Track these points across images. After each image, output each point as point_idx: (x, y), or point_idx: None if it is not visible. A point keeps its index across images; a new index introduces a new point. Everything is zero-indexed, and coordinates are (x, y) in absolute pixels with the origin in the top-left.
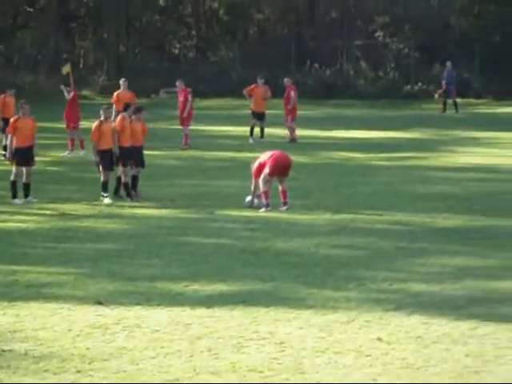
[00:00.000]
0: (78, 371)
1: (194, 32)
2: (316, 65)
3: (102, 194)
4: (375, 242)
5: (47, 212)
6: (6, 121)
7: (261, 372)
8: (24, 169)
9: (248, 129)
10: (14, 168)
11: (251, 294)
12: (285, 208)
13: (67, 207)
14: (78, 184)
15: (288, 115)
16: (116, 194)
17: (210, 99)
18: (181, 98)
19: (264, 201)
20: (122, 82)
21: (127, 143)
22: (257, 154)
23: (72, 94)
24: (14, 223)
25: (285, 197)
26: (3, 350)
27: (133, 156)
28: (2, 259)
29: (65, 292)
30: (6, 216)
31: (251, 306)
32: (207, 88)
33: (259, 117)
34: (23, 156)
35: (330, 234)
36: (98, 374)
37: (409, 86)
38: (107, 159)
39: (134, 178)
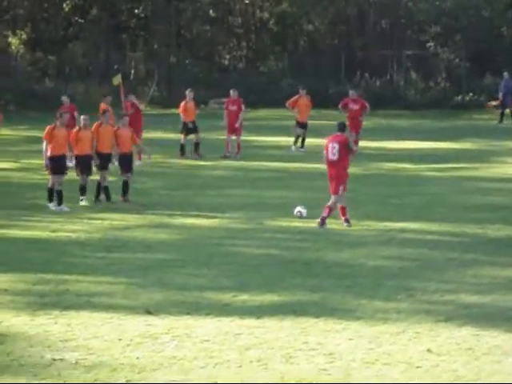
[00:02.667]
0: (128, 381)
1: (243, 43)
2: (366, 75)
3: (80, 197)
4: (425, 252)
5: (97, 222)
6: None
7: (310, 383)
8: (58, 176)
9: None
10: (50, 176)
11: (301, 305)
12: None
13: (117, 217)
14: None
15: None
16: (96, 199)
17: (260, 110)
18: (233, 108)
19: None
20: (188, 92)
21: (105, 149)
22: (307, 165)
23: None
24: (64, 233)
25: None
26: (54, 359)
27: (120, 163)
28: (54, 268)
29: (115, 301)
30: (58, 226)
31: (300, 316)
32: (257, 98)
33: (303, 126)
34: (57, 165)
35: (380, 245)
36: (147, 383)
37: (460, 97)
38: (85, 164)
39: (125, 184)
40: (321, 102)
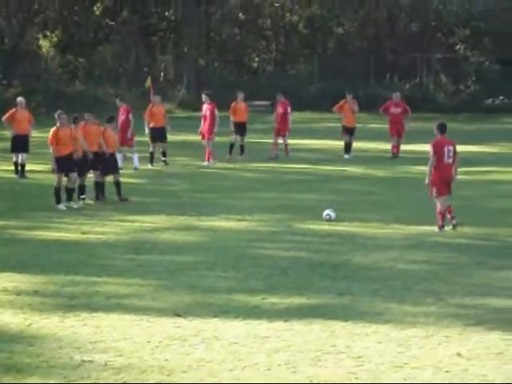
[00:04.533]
0: (157, 383)
1: (273, 45)
2: (395, 78)
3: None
4: (455, 256)
5: (127, 224)
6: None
7: None
8: (66, 176)
9: (330, 142)
10: (56, 176)
11: (329, 308)
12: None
13: (146, 219)
14: (157, 196)
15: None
16: (97, 199)
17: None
18: (280, 110)
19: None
20: (238, 93)
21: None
22: (336, 168)
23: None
24: (94, 235)
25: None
26: (83, 361)
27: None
28: (83, 270)
29: (144, 303)
30: (88, 228)
31: (329, 319)
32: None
33: (351, 131)
34: (64, 164)
35: (409, 248)
36: None
37: (490, 100)
38: (63, 164)
39: (101, 185)
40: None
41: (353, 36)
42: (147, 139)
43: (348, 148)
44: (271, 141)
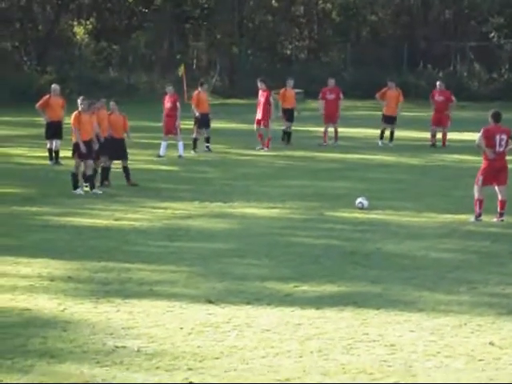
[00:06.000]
0: (190, 369)
1: (306, 33)
2: (429, 66)
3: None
4: (488, 245)
5: (160, 211)
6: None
7: (371, 374)
8: (84, 162)
9: (376, 131)
10: (75, 161)
11: (361, 296)
12: (496, 219)
13: (179, 206)
14: (189, 183)
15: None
16: (102, 185)
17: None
18: (331, 96)
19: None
20: (288, 80)
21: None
22: (368, 156)
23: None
24: (127, 221)
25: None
26: (117, 347)
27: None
28: (116, 257)
29: (177, 290)
30: (121, 214)
31: (361, 307)
32: (319, 89)
33: (390, 120)
34: (85, 149)
35: (442, 237)
36: (209, 372)
37: None
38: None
39: (107, 170)
40: (384, 93)
41: (386, 24)
42: (188, 126)
43: (389, 135)
44: (302, 129)
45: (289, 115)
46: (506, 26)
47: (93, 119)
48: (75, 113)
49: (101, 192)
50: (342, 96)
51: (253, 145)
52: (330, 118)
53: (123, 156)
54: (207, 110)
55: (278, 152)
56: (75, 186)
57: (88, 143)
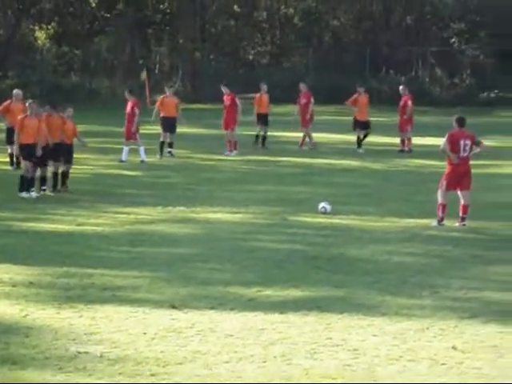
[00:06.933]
0: (153, 375)
1: (268, 38)
2: (391, 71)
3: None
4: (450, 249)
5: (122, 216)
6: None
7: (334, 379)
8: (28, 163)
9: (326, 135)
10: (22, 163)
11: (324, 300)
12: (457, 224)
13: (142, 211)
14: (152, 188)
15: (404, 125)
16: (54, 190)
17: (285, 105)
18: (303, 101)
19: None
20: (261, 84)
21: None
22: (331, 161)
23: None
24: (89, 226)
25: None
26: (79, 352)
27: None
28: (79, 262)
29: (140, 295)
30: (83, 219)
31: (324, 312)
32: (281, 94)
33: (364, 125)
34: (28, 152)
35: (404, 241)
36: (172, 377)
37: (485, 93)
38: (27, 152)
39: (65, 175)
40: (345, 98)
41: (348, 29)
42: (153, 131)
43: (360, 140)
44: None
45: (265, 120)
46: (467, 32)
47: (41, 124)
48: (20, 116)
49: (35, 196)
50: (312, 100)
51: (216, 149)
52: (306, 121)
53: (69, 161)
54: (172, 113)
55: (242, 157)
56: (21, 189)
57: (30, 146)
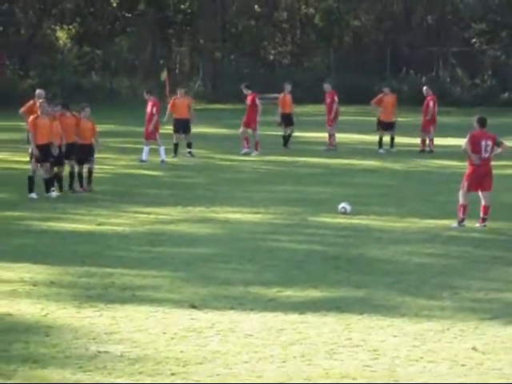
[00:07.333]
0: (173, 374)
1: (289, 38)
2: (411, 72)
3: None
4: (470, 250)
5: (142, 216)
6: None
7: (354, 379)
8: (41, 165)
9: (346, 136)
10: (32, 164)
11: (344, 301)
12: (478, 225)
13: (162, 211)
14: (172, 188)
15: (426, 126)
16: (70, 189)
17: (305, 105)
18: (328, 100)
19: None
20: (285, 84)
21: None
22: (351, 161)
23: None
24: (109, 226)
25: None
26: (99, 352)
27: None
28: (99, 262)
29: (160, 295)
30: (103, 219)
31: (344, 312)
32: (302, 94)
33: (388, 126)
34: (44, 153)
35: (424, 242)
36: (192, 377)
37: (506, 94)
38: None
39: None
40: (365, 98)
41: (369, 29)
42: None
43: (391, 142)
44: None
45: (289, 120)
46: (488, 32)
47: (55, 124)
48: (32, 117)
49: (55, 196)
50: (336, 99)
51: (236, 150)
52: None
53: (91, 160)
54: (184, 115)
55: (262, 157)
56: (30, 190)
57: (45, 147)
